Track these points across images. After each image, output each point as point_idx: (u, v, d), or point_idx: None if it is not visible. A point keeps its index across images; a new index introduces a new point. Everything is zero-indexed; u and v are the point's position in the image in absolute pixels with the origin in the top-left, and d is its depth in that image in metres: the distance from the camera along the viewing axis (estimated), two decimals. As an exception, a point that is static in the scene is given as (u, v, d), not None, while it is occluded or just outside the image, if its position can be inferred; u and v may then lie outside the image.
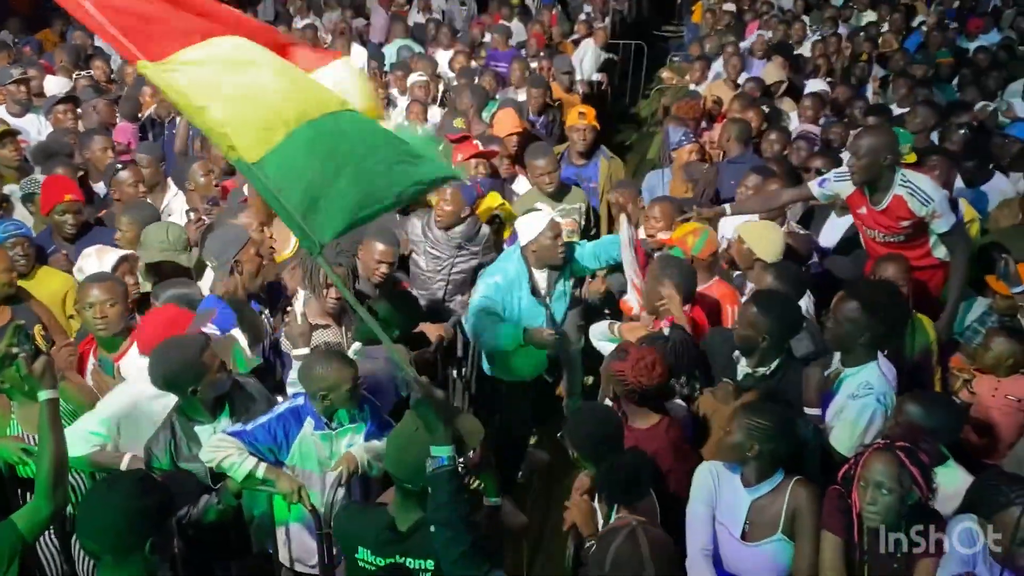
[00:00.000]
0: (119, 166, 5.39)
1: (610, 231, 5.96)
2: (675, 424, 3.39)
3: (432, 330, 4.56)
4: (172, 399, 3.39)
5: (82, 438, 3.35)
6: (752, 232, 4.46)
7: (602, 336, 4.28)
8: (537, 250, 4.51)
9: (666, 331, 3.82)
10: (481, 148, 5.76)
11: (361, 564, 2.75)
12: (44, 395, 2.70)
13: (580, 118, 6.42)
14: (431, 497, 2.53)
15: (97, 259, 4.28)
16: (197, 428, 3.37)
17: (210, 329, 3.64)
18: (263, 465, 3.21)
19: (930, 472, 2.76)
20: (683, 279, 4.03)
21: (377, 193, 2.63)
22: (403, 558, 2.67)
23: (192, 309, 3.83)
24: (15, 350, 2.64)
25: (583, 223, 5.82)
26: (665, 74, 10.75)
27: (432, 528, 2.53)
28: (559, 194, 5.76)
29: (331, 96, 2.75)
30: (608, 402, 3.54)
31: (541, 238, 4.48)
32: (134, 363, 3.66)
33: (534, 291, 4.54)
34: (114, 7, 2.53)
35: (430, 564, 2.63)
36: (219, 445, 3.20)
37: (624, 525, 2.64)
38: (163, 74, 2.52)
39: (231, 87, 2.56)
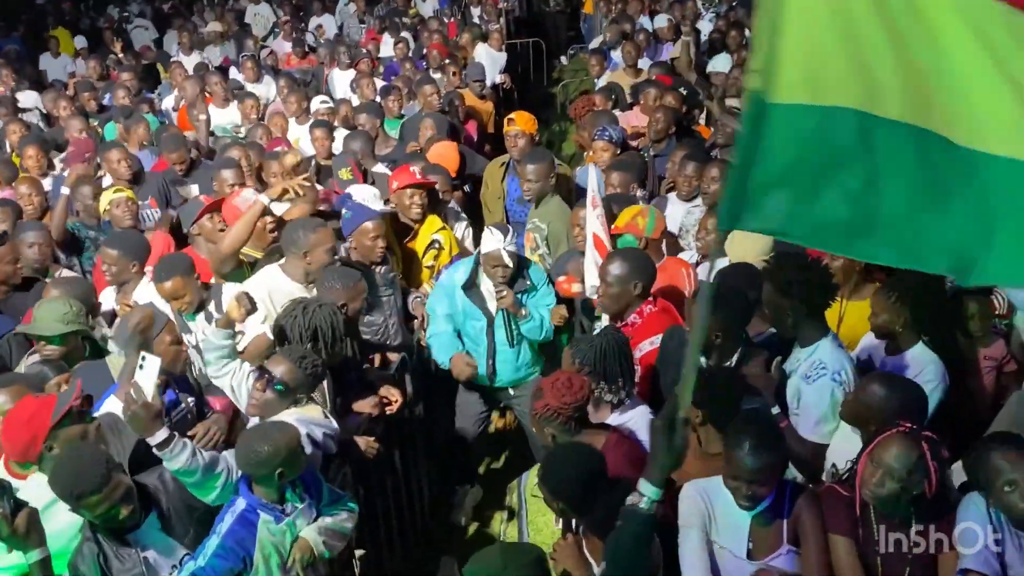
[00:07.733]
0: None
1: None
2: (623, 436, 3.20)
3: (365, 406, 4.08)
4: None
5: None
6: (734, 248, 4.18)
7: None
8: (483, 264, 4.54)
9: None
10: (419, 177, 5.23)
11: None
12: (32, 557, 2.46)
13: (509, 124, 6.08)
14: (620, 527, 2.27)
15: None
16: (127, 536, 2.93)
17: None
18: None
19: (947, 470, 2.63)
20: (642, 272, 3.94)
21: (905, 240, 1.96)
22: None
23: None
24: None
25: (543, 246, 5.41)
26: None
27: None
28: (537, 203, 5.47)
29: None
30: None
31: (484, 259, 4.49)
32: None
33: (477, 298, 4.57)
34: None
35: None
36: None
37: None
38: None
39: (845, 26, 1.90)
